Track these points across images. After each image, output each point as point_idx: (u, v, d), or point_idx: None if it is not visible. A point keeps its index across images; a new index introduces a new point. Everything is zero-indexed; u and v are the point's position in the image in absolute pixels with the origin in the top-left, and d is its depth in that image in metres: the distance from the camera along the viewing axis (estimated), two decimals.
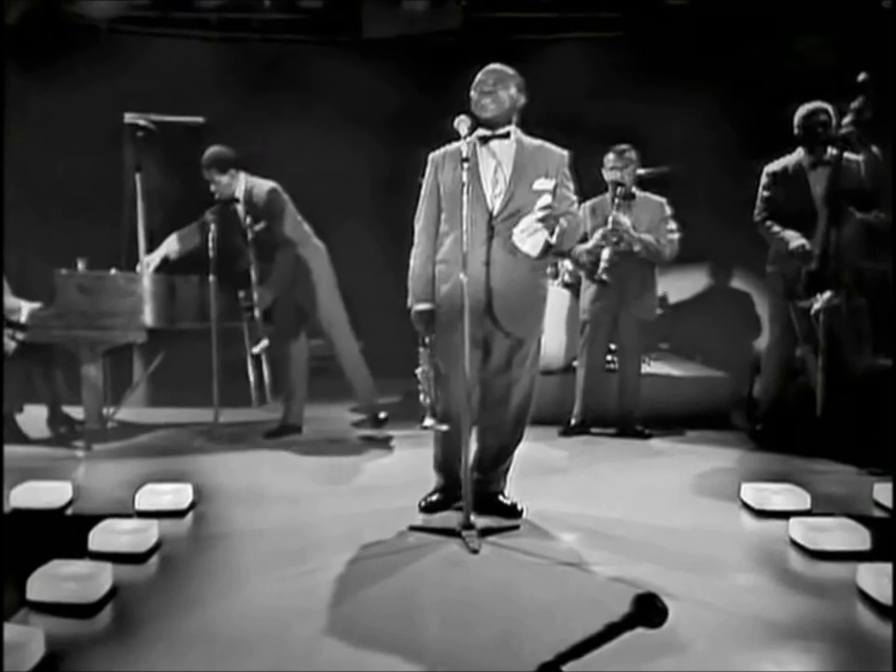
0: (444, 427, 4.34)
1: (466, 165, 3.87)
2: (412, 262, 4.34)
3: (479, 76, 4.21)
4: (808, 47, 7.58)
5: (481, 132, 4.16)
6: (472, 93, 4.19)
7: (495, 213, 4.08)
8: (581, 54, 8.34)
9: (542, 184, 4.15)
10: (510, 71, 4.22)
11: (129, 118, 6.35)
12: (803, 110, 5.84)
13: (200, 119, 6.71)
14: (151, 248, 6.45)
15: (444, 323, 4.27)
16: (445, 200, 4.23)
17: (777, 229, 5.84)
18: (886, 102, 5.44)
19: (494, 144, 4.13)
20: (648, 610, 1.56)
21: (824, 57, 7.18)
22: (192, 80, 7.70)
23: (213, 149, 6.25)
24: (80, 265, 6.00)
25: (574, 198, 4.30)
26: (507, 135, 4.18)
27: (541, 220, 4.07)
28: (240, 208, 6.26)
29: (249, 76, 8.06)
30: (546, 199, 4.10)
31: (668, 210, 6.40)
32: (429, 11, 8.14)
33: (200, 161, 6.28)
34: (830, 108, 5.74)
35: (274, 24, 8.68)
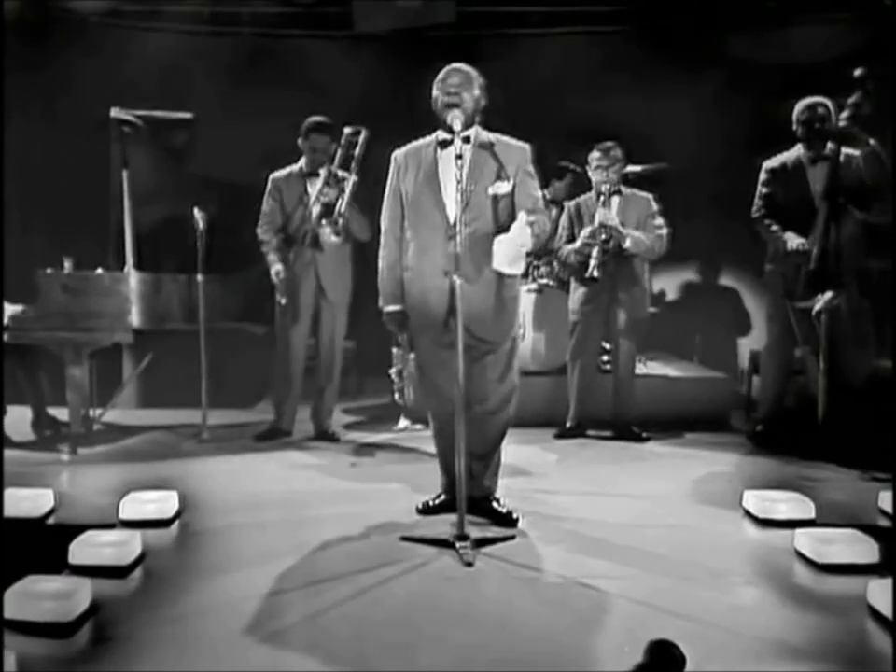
0: (419, 427, 4.29)
1: (459, 163, 3.77)
2: (380, 264, 4.31)
3: (441, 75, 4.11)
4: (807, 40, 7.51)
5: (441, 135, 4.09)
6: (436, 93, 4.09)
7: (453, 220, 3.94)
8: (574, 49, 8.25)
9: (499, 187, 4.06)
10: (473, 72, 4.13)
11: (115, 113, 6.22)
12: (800, 105, 5.76)
13: (188, 115, 6.58)
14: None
15: (416, 330, 4.25)
16: (408, 206, 4.18)
17: (775, 227, 5.74)
18: (886, 98, 5.35)
19: (458, 146, 3.87)
20: (664, 661, 1.43)
21: (823, 51, 7.10)
22: (183, 74, 7.58)
23: (323, 121, 6.15)
24: (67, 264, 5.89)
25: (538, 194, 4.21)
26: (466, 138, 4.05)
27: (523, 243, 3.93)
28: (318, 183, 6.09)
29: (240, 69, 7.93)
30: (521, 218, 3.92)
31: (655, 206, 6.29)
32: (421, 5, 8.03)
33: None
34: (828, 102, 5.64)
35: (266, 18, 8.57)
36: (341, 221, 5.88)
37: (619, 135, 6.41)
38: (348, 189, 5.93)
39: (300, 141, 6.15)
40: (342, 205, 5.90)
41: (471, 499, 3.97)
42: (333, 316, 6.16)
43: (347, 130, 6.03)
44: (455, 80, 4.06)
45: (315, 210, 6.05)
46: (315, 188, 6.12)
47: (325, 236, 5.93)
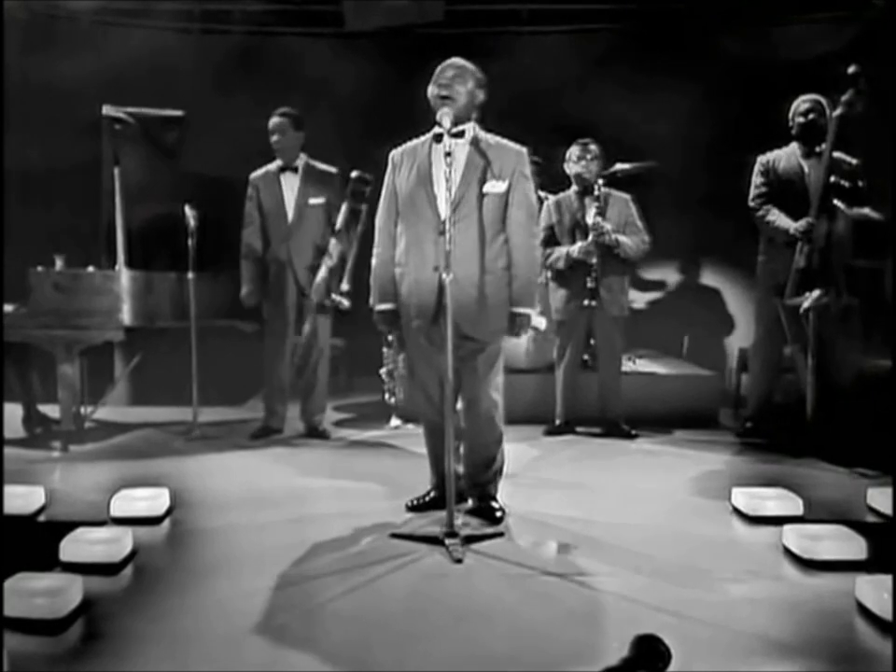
0: (411, 426, 4.30)
1: (448, 160, 3.77)
2: (373, 262, 4.31)
3: (437, 69, 4.11)
4: (798, 38, 7.53)
5: (437, 130, 4.05)
6: (431, 86, 4.09)
7: (444, 216, 3.92)
8: (562, 47, 8.26)
9: (493, 186, 4.06)
10: (469, 66, 4.12)
11: (106, 110, 6.22)
12: (796, 102, 5.78)
13: (179, 113, 6.57)
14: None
15: (406, 325, 4.23)
16: (401, 202, 4.18)
17: (773, 216, 5.74)
18: (884, 97, 5.38)
19: (447, 143, 3.84)
20: (650, 655, 1.44)
21: (814, 49, 7.12)
22: (174, 72, 7.57)
23: (286, 108, 6.15)
24: (58, 262, 5.89)
25: (533, 197, 4.21)
26: (461, 134, 4.06)
27: None
28: (295, 180, 6.12)
29: (230, 67, 7.92)
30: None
31: (633, 206, 6.31)
32: (410, 4, 8.03)
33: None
34: (822, 100, 5.66)
35: (256, 16, 8.56)
36: (346, 287, 6.00)
37: (609, 133, 6.42)
38: (350, 257, 6.03)
39: None
40: (345, 279, 6.02)
41: (462, 497, 4.00)
42: (314, 315, 6.16)
43: (354, 174, 6.00)
44: (449, 73, 4.05)
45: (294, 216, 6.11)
46: (289, 183, 6.14)
47: (341, 305, 6.02)
